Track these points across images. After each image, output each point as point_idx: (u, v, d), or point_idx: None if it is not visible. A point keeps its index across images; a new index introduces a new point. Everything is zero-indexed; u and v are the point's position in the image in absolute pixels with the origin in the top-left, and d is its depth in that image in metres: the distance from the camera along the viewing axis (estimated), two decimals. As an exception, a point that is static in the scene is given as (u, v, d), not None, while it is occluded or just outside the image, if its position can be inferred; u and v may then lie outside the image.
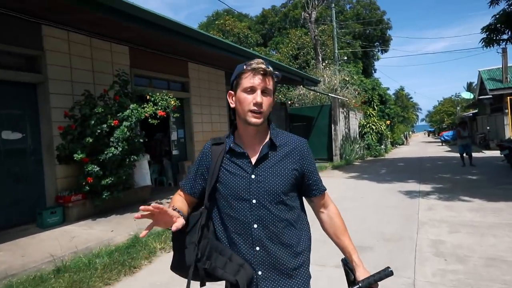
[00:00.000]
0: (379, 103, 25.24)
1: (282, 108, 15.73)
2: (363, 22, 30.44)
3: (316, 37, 17.86)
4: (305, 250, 1.31)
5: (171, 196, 1.53)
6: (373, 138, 19.43)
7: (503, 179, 8.44)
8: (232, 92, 1.29)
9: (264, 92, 1.21)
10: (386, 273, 1.17)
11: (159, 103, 6.20)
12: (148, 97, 6.21)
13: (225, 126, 11.05)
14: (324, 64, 16.77)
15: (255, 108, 1.19)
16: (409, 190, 7.66)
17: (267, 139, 1.29)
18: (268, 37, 32.59)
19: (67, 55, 6.08)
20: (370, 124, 19.70)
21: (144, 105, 6.05)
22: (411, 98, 49.15)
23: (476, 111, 25.47)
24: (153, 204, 1.08)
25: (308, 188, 1.34)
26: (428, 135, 64.21)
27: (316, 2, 18.95)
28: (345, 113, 16.65)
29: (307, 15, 18.45)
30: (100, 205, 5.88)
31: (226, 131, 11.43)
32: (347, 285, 1.26)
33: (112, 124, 5.52)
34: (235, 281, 1.17)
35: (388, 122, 23.72)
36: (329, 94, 14.84)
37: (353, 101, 16.18)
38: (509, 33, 9.63)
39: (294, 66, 20.44)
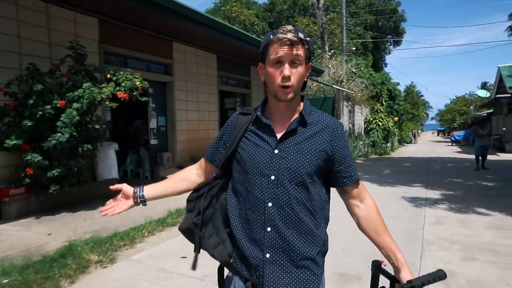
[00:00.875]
0: (387, 99, 24.01)
1: (282, 99, 14.68)
2: (376, 12, 28.95)
3: (323, 25, 16.67)
4: (321, 245, 1.17)
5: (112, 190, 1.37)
6: (379, 135, 18.30)
7: (524, 187, 7.35)
8: (262, 65, 1.20)
9: (293, 63, 1.11)
10: (439, 275, 1.02)
11: (123, 84, 5.24)
12: (109, 76, 5.26)
13: (215, 116, 10.08)
14: (330, 53, 15.61)
15: (283, 82, 1.11)
16: (414, 196, 6.64)
17: (298, 114, 1.19)
18: (276, 26, 31.32)
19: (14, 22, 5.15)
20: (377, 120, 18.55)
21: (103, 85, 5.10)
22: (422, 95, 47.50)
23: (491, 110, 24.04)
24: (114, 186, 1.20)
25: (338, 175, 1.19)
26: (438, 134, 62.47)
27: (325, -13, 17.69)
28: (349, 107, 15.56)
29: (315, 1, 17.22)
30: (46, 201, 4.99)
31: (215, 121, 10.51)
32: None
33: (58, 105, 4.59)
34: (212, 254, 1.16)
35: (396, 118, 22.49)
36: (333, 86, 13.75)
37: (359, 94, 15.04)
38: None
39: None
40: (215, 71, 10.00)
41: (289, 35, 1.09)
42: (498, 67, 16.85)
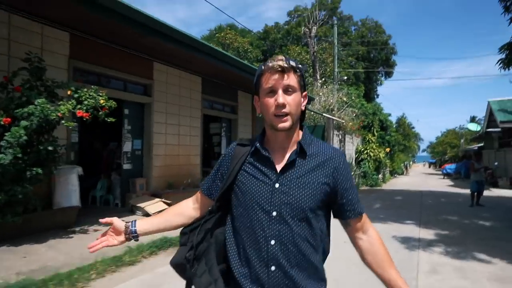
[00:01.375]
0: (379, 129, 23.85)
1: (271, 125, 14.28)
2: (368, 44, 29.49)
3: (315, 53, 16.64)
4: (323, 278, 1.16)
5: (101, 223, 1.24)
6: (370, 166, 17.87)
7: (524, 228, 6.81)
8: (257, 97, 1.17)
9: (287, 90, 1.08)
10: None
11: (85, 102, 4.71)
12: (69, 92, 4.73)
13: (197, 141, 9.53)
14: (321, 81, 15.43)
15: (277, 111, 1.07)
16: (406, 236, 6.03)
17: (297, 145, 1.14)
18: (269, 54, 31.62)
19: (-35, 30, 4.67)
20: (368, 151, 18.20)
21: (61, 102, 4.56)
22: (413, 127, 47.91)
23: (482, 144, 23.95)
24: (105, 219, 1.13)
25: (341, 208, 1.16)
26: (429, 167, 62.56)
27: (317, 18, 17.83)
28: (340, 136, 15.19)
29: (307, 30, 17.31)
30: (-19, 233, 4.29)
31: (197, 146, 9.98)
32: None
33: (2, 123, 4.01)
34: None
35: (387, 149, 22.20)
36: (324, 114, 13.42)
37: (350, 123, 14.72)
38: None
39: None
40: (199, 94, 9.57)
41: (280, 63, 1.08)
42: (488, 101, 16.84)
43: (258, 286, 1.08)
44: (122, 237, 1.22)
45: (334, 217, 1.19)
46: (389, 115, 26.17)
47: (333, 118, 13.86)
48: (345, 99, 15.05)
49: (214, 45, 27.38)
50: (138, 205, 6.85)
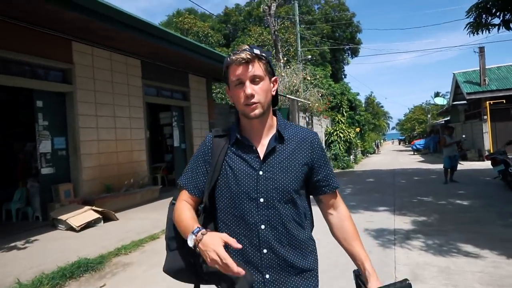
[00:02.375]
0: (348, 109, 23.31)
1: (232, 111, 13.12)
2: (332, 23, 28.72)
3: (276, 32, 15.49)
4: (313, 252, 1.22)
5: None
6: (341, 147, 17.22)
7: (506, 206, 6.15)
8: (228, 88, 1.21)
9: (254, 80, 1.11)
10: (404, 285, 1.02)
11: None
12: None
13: (141, 134, 8.25)
14: (284, 61, 14.37)
15: (247, 100, 1.11)
16: (380, 228, 5.17)
17: (274, 131, 1.19)
18: (232, 38, 30.17)
19: None
20: (338, 132, 17.51)
21: None
22: (382, 106, 48.31)
23: (448, 118, 24.03)
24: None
25: (317, 184, 1.22)
26: (399, 143, 63.96)
27: (276, -6, 16.62)
28: (307, 119, 14.30)
29: (267, 7, 16.08)
30: None
31: (142, 140, 8.71)
32: None
33: None
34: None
35: (357, 129, 21.70)
36: (287, 96, 12.42)
37: (316, 104, 13.84)
38: (502, 16, 7.55)
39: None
40: (139, 79, 8.24)
41: (243, 54, 1.10)
42: (454, 73, 16.50)
43: (254, 268, 1.13)
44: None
45: (310, 194, 1.25)
46: (358, 94, 25.66)
47: (298, 99, 12.90)
48: (309, 78, 14.09)
49: (173, 30, 25.66)
50: (60, 217, 5.57)
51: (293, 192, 1.14)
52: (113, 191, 7.10)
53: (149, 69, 8.54)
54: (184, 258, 1.15)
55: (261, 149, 1.16)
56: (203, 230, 1.03)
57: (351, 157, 19.04)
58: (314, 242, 1.24)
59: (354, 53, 32.30)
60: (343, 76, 32.07)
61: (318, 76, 15.36)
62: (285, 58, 14.62)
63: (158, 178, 9.66)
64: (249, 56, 1.09)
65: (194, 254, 1.07)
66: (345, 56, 31.37)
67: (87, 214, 5.77)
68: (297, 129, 1.23)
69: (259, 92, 1.11)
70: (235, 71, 1.11)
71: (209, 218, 1.20)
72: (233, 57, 1.11)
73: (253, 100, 1.10)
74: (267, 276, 1.13)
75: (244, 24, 29.07)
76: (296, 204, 1.16)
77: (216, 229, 1.19)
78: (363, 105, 28.78)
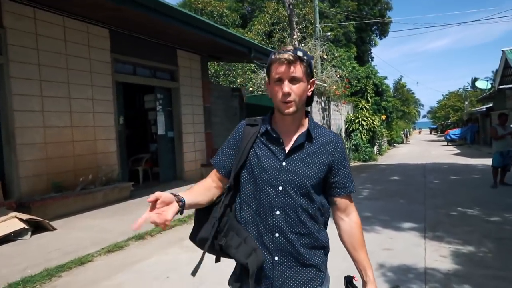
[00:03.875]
0: (374, 94, 20.99)
1: (235, 95, 11.45)
2: (359, 1, 26.02)
3: (291, 6, 13.53)
4: (323, 249, 1.28)
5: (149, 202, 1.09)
6: (363, 137, 15.18)
7: None
8: (268, 82, 1.29)
9: (293, 80, 1.19)
10: None
11: None
12: None
13: (109, 119, 6.81)
14: (297, 36, 12.41)
15: (284, 98, 1.19)
16: (402, 264, 3.43)
17: (305, 129, 1.27)
18: (250, 18, 28.19)
19: None
20: (360, 119, 15.43)
21: None
22: (412, 93, 44.59)
23: (491, 105, 21.11)
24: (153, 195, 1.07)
25: (333, 185, 1.28)
26: (430, 133, 59.86)
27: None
28: (323, 104, 12.39)
29: (280, -23, 14.07)
30: None
31: (111, 127, 7.24)
32: None
33: None
34: (246, 263, 1.19)
35: (383, 117, 19.43)
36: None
37: (334, 87, 11.88)
38: None
39: (268, 46, 16.12)
40: (107, 54, 6.74)
41: (286, 55, 1.17)
42: (503, 50, 13.85)
43: (265, 249, 1.21)
44: (175, 206, 1.10)
45: (325, 194, 1.30)
46: (385, 78, 23.18)
47: (312, 81, 11.04)
48: (325, 56, 12.09)
49: (187, 10, 24.16)
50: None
51: (309, 187, 1.21)
52: (66, 190, 5.73)
53: (122, 41, 7.02)
54: (208, 230, 1.25)
55: (288, 143, 1.24)
56: (180, 197, 1.14)
57: (375, 147, 16.95)
58: (327, 240, 1.29)
59: (383, 33, 29.37)
60: (369, 59, 29.31)
61: (337, 55, 13.27)
62: (299, 34, 12.66)
63: (140, 171, 8.26)
64: (291, 58, 1.16)
65: (215, 227, 1.24)
66: (372, 37, 28.52)
67: (8, 224, 4.40)
68: (324, 130, 1.31)
69: (295, 91, 1.18)
70: (276, 69, 1.19)
71: (233, 196, 1.31)
72: (277, 56, 1.18)
73: (289, 99, 1.18)
74: (276, 258, 1.21)
75: (262, 1, 26.96)
76: (312, 199, 1.23)
77: (236, 209, 1.30)
78: (391, 91, 26.16)
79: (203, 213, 1.30)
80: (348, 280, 1.23)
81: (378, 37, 29.43)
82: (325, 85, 12.02)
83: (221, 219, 1.26)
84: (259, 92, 12.45)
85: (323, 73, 12.25)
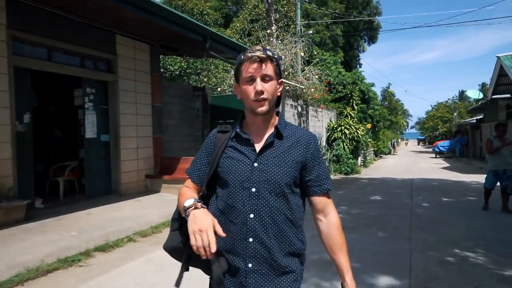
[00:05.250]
0: (360, 102, 19.73)
1: (198, 95, 9.91)
2: (347, 3, 24.95)
3: (269, 0, 12.13)
4: (301, 254, 1.25)
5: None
6: (346, 147, 13.77)
7: None
8: (237, 84, 1.28)
9: (264, 78, 1.20)
10: None
11: None
12: None
13: (2, 116, 5.17)
14: (274, 30, 10.93)
15: (257, 96, 1.19)
16: None
17: (274, 128, 1.26)
18: (233, 16, 26.83)
19: None
20: (342, 128, 14.04)
21: None
22: (401, 103, 43.60)
23: (481, 116, 20.05)
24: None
25: (308, 184, 1.26)
26: (418, 144, 59.27)
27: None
28: (299, 108, 10.93)
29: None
30: None
31: (4, 126, 5.57)
32: None
33: None
34: (206, 272, 1.21)
35: (369, 125, 18.13)
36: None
37: (312, 89, 10.44)
38: None
39: (246, 45, 14.62)
40: (1, 29, 5.12)
41: (258, 53, 1.18)
42: (498, 56, 12.69)
43: (237, 256, 1.18)
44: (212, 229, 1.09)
45: (303, 194, 1.28)
46: (372, 85, 21.97)
47: (286, 82, 9.56)
48: (302, 54, 10.64)
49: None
50: None
51: (284, 186, 1.19)
52: None
53: (29, 15, 5.42)
54: (179, 239, 1.24)
55: (259, 144, 1.23)
56: (203, 203, 1.15)
57: (359, 159, 15.57)
58: (304, 247, 1.26)
59: (372, 39, 28.34)
60: (357, 66, 28.21)
61: (316, 53, 11.84)
62: (276, 29, 11.19)
63: (60, 183, 6.59)
64: (263, 55, 1.17)
65: (187, 235, 1.14)
66: (360, 43, 27.43)
67: None
68: (296, 129, 1.30)
69: (268, 90, 1.19)
70: (247, 68, 1.19)
71: (206, 205, 1.23)
72: (248, 55, 1.18)
73: (262, 96, 1.18)
74: (250, 265, 1.17)
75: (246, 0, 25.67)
76: (287, 199, 1.20)
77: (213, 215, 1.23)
78: (379, 99, 25.02)
79: (176, 221, 1.29)
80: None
81: (366, 42, 28.40)
82: (302, 87, 10.57)
83: None
84: (230, 93, 10.93)
85: (300, 74, 10.79)
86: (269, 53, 1.19)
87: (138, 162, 7.62)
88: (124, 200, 6.74)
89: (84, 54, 6.50)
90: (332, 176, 12.12)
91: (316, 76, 10.52)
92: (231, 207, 1.19)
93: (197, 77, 15.01)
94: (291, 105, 10.24)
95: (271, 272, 1.16)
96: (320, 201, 1.25)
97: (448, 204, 6.93)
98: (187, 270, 1.24)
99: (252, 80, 1.18)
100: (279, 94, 1.26)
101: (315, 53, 11.71)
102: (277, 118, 1.28)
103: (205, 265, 1.17)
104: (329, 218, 1.25)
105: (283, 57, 10.11)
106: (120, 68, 7.12)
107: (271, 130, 1.24)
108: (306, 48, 11.22)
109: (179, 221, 1.26)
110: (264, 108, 1.18)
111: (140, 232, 4.92)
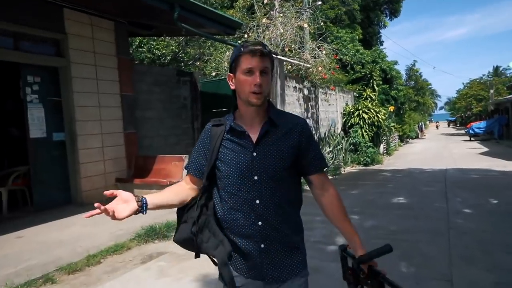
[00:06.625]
0: (381, 82, 17.68)
1: (185, 81, 8.49)
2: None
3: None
4: (301, 230, 1.38)
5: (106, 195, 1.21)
6: (365, 133, 11.99)
7: None
8: (232, 75, 1.32)
9: (263, 72, 1.25)
10: (386, 249, 1.16)
11: None
12: None
13: None
14: (276, 2, 9.22)
15: (255, 89, 1.23)
16: None
17: (267, 118, 1.32)
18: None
19: None
20: (360, 112, 12.23)
21: None
22: (429, 85, 39.91)
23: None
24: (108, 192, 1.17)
25: (305, 165, 1.34)
26: (448, 125, 55.38)
27: None
28: (305, 91, 9.27)
29: None
30: None
31: None
32: (342, 275, 1.24)
33: None
34: (213, 255, 1.29)
35: (391, 108, 16.13)
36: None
37: (320, 68, 8.73)
38: None
39: (250, 23, 12.90)
40: None
41: (259, 47, 1.23)
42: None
43: (250, 239, 1.27)
44: (133, 204, 1.19)
45: (301, 175, 1.38)
46: (395, 63, 19.72)
47: (286, 59, 7.92)
48: (306, 26, 8.87)
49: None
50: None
51: (283, 171, 1.27)
52: None
53: None
54: (188, 230, 1.33)
55: (254, 134, 1.28)
56: (140, 196, 1.24)
57: (381, 146, 13.73)
58: (301, 222, 1.39)
59: (394, 13, 25.69)
60: (379, 44, 25.71)
61: (322, 25, 9.96)
62: (278, 1, 9.45)
63: (3, 194, 5.40)
64: (264, 50, 1.23)
65: (194, 226, 1.32)
66: (381, 17, 24.84)
67: None
68: (288, 116, 1.38)
69: (264, 83, 1.24)
70: (247, 60, 1.23)
71: (209, 197, 1.36)
72: (251, 48, 1.23)
73: (260, 90, 1.23)
74: (262, 245, 1.27)
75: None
76: (287, 182, 1.30)
77: (215, 206, 1.35)
78: (403, 78, 22.67)
79: (180, 215, 1.39)
80: (343, 249, 1.31)
81: (388, 17, 25.77)
82: (308, 65, 8.89)
83: (199, 218, 1.32)
84: (222, 77, 9.41)
85: (305, 51, 9.08)
86: (267, 49, 1.26)
87: (105, 164, 6.34)
88: (82, 212, 5.44)
89: (19, 33, 5.20)
90: (348, 168, 10.46)
91: (324, 52, 8.78)
92: (236, 196, 1.27)
93: (196, 63, 13.57)
94: (295, 87, 8.61)
95: (282, 249, 1.28)
96: (317, 179, 1.35)
97: (500, 210, 5.13)
98: (199, 257, 1.36)
99: (250, 72, 1.23)
100: (270, 88, 1.31)
101: (322, 24, 9.88)
102: (268, 106, 1.34)
103: (213, 249, 1.27)
104: (329, 191, 1.35)
105: (282, 31, 8.44)
106: (72, 50, 5.79)
107: (264, 119, 1.30)
108: (312, 20, 9.45)
109: (184, 213, 1.37)
110: (259, 101, 1.25)
111: (67, 266, 3.60)
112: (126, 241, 4.31)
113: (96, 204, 1.13)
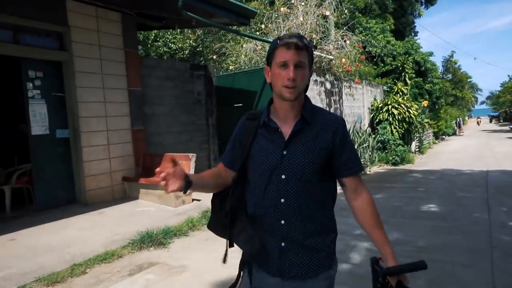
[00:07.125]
0: (414, 75, 16.49)
1: (199, 75, 8.10)
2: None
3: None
4: (331, 233, 1.32)
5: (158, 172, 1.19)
6: (394, 130, 11.09)
7: None
8: (268, 68, 1.31)
9: (298, 66, 1.22)
10: (419, 264, 1.09)
11: None
12: None
13: None
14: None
15: (288, 83, 1.21)
16: None
17: (300, 115, 1.29)
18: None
19: None
20: (389, 107, 11.32)
21: None
22: (469, 78, 37.11)
23: None
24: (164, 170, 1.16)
25: (338, 167, 1.31)
26: (490, 121, 51.63)
27: None
28: (327, 85, 8.59)
29: None
30: None
31: None
32: None
33: None
34: (241, 248, 1.32)
35: (425, 103, 14.94)
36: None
37: (343, 60, 8.02)
38: None
39: (272, 14, 12.30)
40: None
41: (295, 40, 1.20)
42: None
43: (272, 236, 1.27)
44: (181, 182, 1.20)
45: (335, 176, 1.33)
46: (430, 54, 18.31)
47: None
48: (327, 13, 8.15)
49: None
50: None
51: (311, 173, 1.24)
52: None
53: None
54: (221, 219, 1.36)
55: (287, 131, 1.27)
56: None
57: (413, 144, 12.70)
58: (334, 226, 1.34)
59: (430, 1, 23.98)
60: (412, 34, 24.10)
61: (346, 12, 9.17)
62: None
63: (7, 192, 5.27)
64: (299, 43, 1.19)
65: (227, 215, 1.33)
66: (416, 6, 23.23)
67: None
68: (324, 113, 1.33)
69: (299, 78, 1.21)
70: (283, 53, 1.21)
71: (241, 189, 1.36)
72: (286, 40, 1.20)
73: (293, 84, 1.20)
74: (283, 244, 1.27)
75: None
76: (316, 184, 1.26)
77: (246, 200, 1.36)
78: (439, 71, 21.09)
79: (214, 203, 1.41)
80: (374, 261, 1.24)
81: (423, 6, 24.11)
82: (331, 57, 8.20)
83: (232, 210, 1.32)
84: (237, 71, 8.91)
85: (328, 41, 8.38)
86: (305, 42, 1.23)
87: (110, 162, 6.08)
88: (84, 212, 5.25)
89: (19, 26, 5.00)
90: (375, 168, 9.67)
91: (347, 41, 8.04)
92: (263, 192, 1.27)
93: (214, 58, 13.17)
94: (315, 80, 7.96)
95: (303, 250, 1.26)
96: (351, 182, 1.30)
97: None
98: (232, 246, 1.35)
99: (285, 65, 1.21)
100: (308, 82, 1.29)
101: (346, 11, 9.09)
102: (304, 102, 1.31)
103: (244, 241, 1.29)
104: (362, 195, 1.30)
105: (302, 20, 7.80)
106: (75, 44, 5.53)
107: (298, 116, 1.28)
108: (336, 8, 8.72)
109: (218, 202, 1.39)
110: (293, 96, 1.22)
111: (48, 277, 3.29)
112: (118, 248, 3.96)
113: (157, 169, 1.17)
